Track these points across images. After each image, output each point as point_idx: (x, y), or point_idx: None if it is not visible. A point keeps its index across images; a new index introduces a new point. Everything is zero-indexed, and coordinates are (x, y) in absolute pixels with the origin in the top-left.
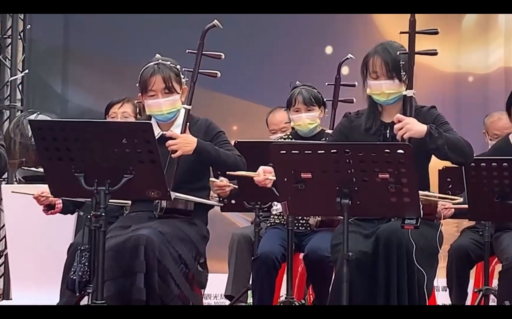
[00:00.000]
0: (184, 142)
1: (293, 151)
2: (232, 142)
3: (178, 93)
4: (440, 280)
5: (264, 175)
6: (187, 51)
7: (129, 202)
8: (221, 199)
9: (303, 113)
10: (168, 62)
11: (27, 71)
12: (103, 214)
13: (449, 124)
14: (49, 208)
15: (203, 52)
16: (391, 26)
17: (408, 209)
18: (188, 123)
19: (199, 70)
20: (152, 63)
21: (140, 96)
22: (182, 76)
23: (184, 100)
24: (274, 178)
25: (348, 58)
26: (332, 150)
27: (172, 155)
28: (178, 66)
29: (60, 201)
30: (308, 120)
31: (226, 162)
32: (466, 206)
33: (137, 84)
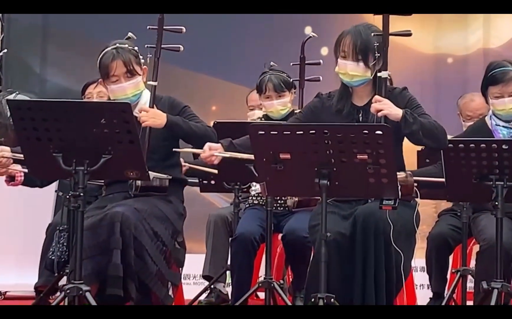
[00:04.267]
0: (154, 114)
1: (271, 132)
2: (211, 123)
3: (140, 75)
4: (418, 261)
5: (210, 151)
6: (148, 27)
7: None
8: (200, 179)
9: (275, 100)
10: (126, 45)
11: (5, 50)
12: (82, 194)
13: (422, 108)
14: (10, 178)
15: (164, 27)
16: None
17: (386, 190)
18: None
19: (162, 46)
20: (110, 48)
21: (102, 82)
22: (141, 57)
23: (146, 79)
24: (221, 155)
25: (310, 37)
26: (311, 131)
27: (142, 124)
28: (136, 48)
29: (22, 173)
30: (280, 106)
31: (197, 133)
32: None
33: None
